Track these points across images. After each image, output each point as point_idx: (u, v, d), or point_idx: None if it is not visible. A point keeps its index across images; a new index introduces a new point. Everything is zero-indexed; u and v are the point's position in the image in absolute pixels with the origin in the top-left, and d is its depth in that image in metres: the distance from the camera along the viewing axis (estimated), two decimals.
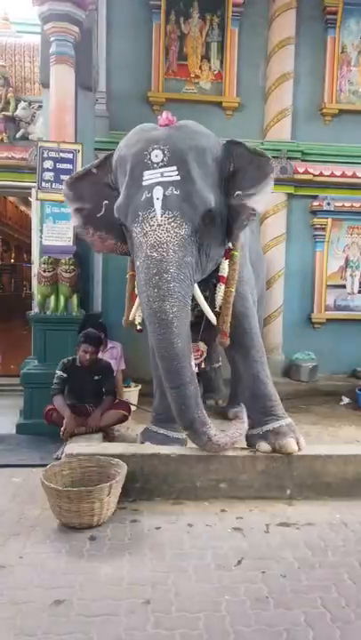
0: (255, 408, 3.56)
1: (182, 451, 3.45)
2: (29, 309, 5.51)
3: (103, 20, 6.41)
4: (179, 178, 3.03)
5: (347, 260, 6.99)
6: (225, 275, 3.51)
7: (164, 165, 3.04)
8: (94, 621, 2.11)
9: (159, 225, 3.01)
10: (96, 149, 5.69)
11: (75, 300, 4.99)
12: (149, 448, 3.43)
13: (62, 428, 3.72)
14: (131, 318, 3.71)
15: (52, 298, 4.94)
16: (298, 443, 3.41)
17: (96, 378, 4.05)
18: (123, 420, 4.00)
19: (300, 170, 6.55)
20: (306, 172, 6.56)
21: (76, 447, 3.43)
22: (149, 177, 3.05)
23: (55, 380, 3.93)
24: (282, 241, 6.67)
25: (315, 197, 6.76)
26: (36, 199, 5.08)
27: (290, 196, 6.68)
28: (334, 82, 6.81)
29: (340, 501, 3.36)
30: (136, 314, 3.62)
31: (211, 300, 3.51)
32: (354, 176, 6.71)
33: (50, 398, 3.92)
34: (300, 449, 3.40)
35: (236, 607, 2.23)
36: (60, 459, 4.01)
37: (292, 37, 6.63)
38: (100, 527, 2.94)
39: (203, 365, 4.07)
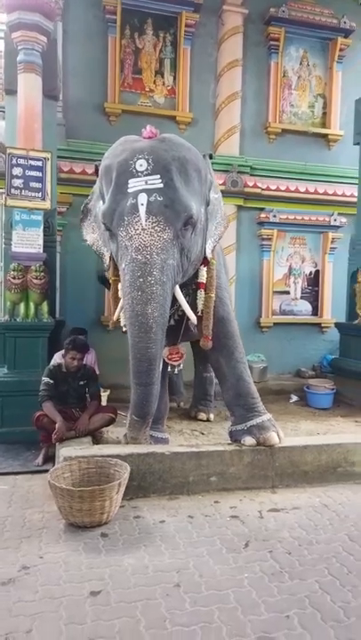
0: (239, 405, 3.84)
1: (176, 448, 3.64)
2: None
3: (59, 29, 6.46)
4: (162, 185, 3.25)
5: (290, 269, 7.54)
6: (203, 281, 3.76)
7: (149, 174, 3.25)
8: (136, 606, 2.26)
9: (144, 229, 3.21)
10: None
11: (45, 306, 5.01)
12: (144, 447, 3.59)
13: (54, 433, 3.76)
14: (115, 319, 3.83)
15: (22, 305, 4.93)
16: (278, 435, 3.73)
17: (81, 383, 4.12)
18: (110, 422, 4.11)
19: (250, 184, 7.00)
20: (255, 187, 7.03)
21: (72, 450, 3.50)
22: (134, 184, 3.26)
23: (42, 387, 3.96)
24: (232, 250, 7.06)
25: (262, 210, 7.24)
26: (5, 205, 5.04)
27: (239, 207, 7.11)
28: (277, 103, 7.37)
29: (317, 487, 3.73)
30: (121, 315, 3.74)
31: (192, 305, 3.74)
32: (296, 191, 7.29)
33: (39, 404, 3.94)
34: (280, 441, 3.73)
35: (257, 582, 2.48)
36: (40, 465, 4.09)
37: (239, 60, 7.09)
38: (107, 525, 3.06)
39: (181, 367, 4.30)
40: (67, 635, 2.06)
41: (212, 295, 3.76)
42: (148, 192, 3.23)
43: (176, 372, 5.97)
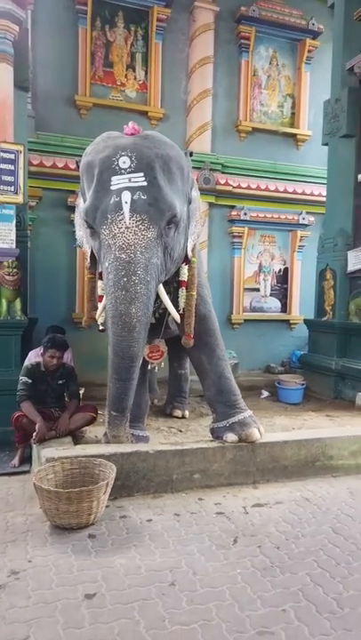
0: (221, 402, 3.87)
1: (159, 447, 3.63)
2: None
3: (28, 18, 6.28)
4: (146, 183, 3.21)
5: (260, 266, 7.65)
6: (185, 279, 3.76)
7: (132, 171, 3.21)
8: (133, 607, 2.24)
9: (127, 227, 3.17)
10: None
11: (18, 303, 4.88)
12: (128, 447, 3.55)
13: (35, 434, 3.67)
14: (99, 319, 3.77)
15: None
16: (260, 431, 3.78)
17: (60, 382, 4.04)
18: (91, 421, 4.05)
19: (222, 181, 7.04)
20: (226, 184, 7.07)
21: (55, 451, 3.43)
22: (117, 182, 3.21)
23: (20, 387, 3.85)
24: (204, 247, 7.08)
25: (233, 207, 7.29)
26: None
27: (211, 205, 7.13)
28: (248, 102, 7.43)
29: (296, 481, 3.81)
30: (101, 314, 3.70)
31: (173, 304, 3.73)
32: (266, 189, 7.38)
33: (17, 404, 3.84)
34: (261, 437, 3.78)
35: (250, 577, 2.51)
36: (17, 466, 4.00)
37: (210, 57, 7.11)
38: (94, 526, 3.02)
39: (162, 365, 4.29)
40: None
41: (194, 293, 3.76)
42: (132, 190, 3.18)
43: (156, 369, 6.02)
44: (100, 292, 3.78)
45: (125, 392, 3.38)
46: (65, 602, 2.27)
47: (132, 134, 3.43)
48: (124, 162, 3.20)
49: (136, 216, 3.17)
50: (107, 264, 3.25)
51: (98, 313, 3.75)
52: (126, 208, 3.17)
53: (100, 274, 3.72)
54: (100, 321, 3.82)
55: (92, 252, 3.65)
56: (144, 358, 4.21)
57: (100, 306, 3.69)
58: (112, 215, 3.18)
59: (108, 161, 3.23)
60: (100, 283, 3.76)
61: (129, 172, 3.20)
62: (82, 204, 3.64)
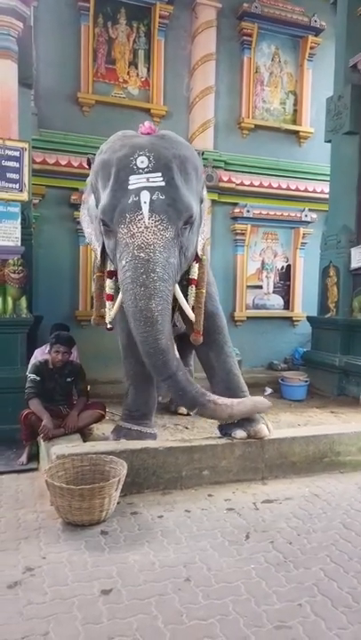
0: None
1: (169, 444, 3.64)
2: None
3: (31, 15, 6.25)
4: (163, 184, 3.21)
5: (263, 263, 7.65)
6: (195, 277, 3.76)
7: (150, 171, 3.20)
8: (150, 602, 2.25)
9: (146, 227, 3.16)
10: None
11: (23, 301, 4.87)
12: (138, 443, 3.56)
13: (40, 431, 3.68)
14: (108, 318, 3.76)
15: (0, 300, 4.78)
16: (268, 428, 3.79)
17: (68, 379, 4.05)
18: (99, 419, 4.05)
19: (225, 179, 7.03)
20: (229, 181, 7.07)
21: (65, 448, 3.43)
22: (135, 181, 3.20)
23: (29, 384, 3.85)
24: (207, 245, 7.05)
25: (235, 205, 7.29)
26: None
27: (214, 202, 7.12)
28: (250, 99, 7.42)
29: (305, 477, 3.82)
30: (110, 313, 3.69)
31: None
32: (269, 186, 7.38)
33: (25, 402, 3.84)
34: (270, 433, 3.79)
35: (264, 572, 2.52)
36: (25, 464, 4.01)
37: (213, 54, 7.09)
38: (106, 523, 3.03)
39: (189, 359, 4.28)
40: (85, 635, 2.03)
41: (204, 291, 3.76)
42: (150, 190, 3.18)
43: (188, 367, 5.99)
44: (108, 290, 3.78)
45: (179, 387, 3.30)
46: (81, 598, 2.28)
47: (149, 134, 3.44)
48: (142, 161, 3.20)
49: (155, 216, 3.17)
50: (124, 262, 3.23)
51: (113, 312, 3.67)
52: (145, 208, 3.16)
53: (110, 272, 3.72)
54: (108, 319, 3.81)
55: (102, 250, 3.64)
56: None
57: (116, 305, 3.61)
58: (131, 215, 3.18)
59: (126, 160, 3.23)
60: (108, 282, 3.77)
61: (147, 172, 3.20)
62: (91, 202, 3.63)
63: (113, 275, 3.74)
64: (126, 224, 3.19)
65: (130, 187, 3.20)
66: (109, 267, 3.74)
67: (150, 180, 3.19)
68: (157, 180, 3.20)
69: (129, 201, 3.18)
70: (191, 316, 3.65)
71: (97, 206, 3.57)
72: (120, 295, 3.45)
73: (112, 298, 3.75)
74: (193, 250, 3.62)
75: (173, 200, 3.23)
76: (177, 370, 3.28)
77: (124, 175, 3.22)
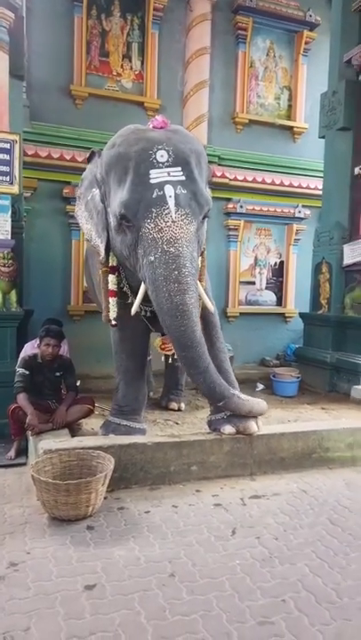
0: None
1: (157, 439, 3.63)
2: None
3: (23, 6, 6.18)
4: (184, 178, 3.25)
5: (256, 259, 7.64)
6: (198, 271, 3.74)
7: (170, 165, 3.24)
8: (133, 597, 2.24)
9: (174, 221, 3.19)
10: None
11: (13, 295, 4.84)
12: (126, 439, 3.55)
13: (27, 426, 3.66)
14: (112, 314, 3.75)
15: None
16: (257, 424, 3.78)
17: (57, 374, 4.02)
18: (88, 414, 4.04)
19: (218, 174, 7.00)
20: (223, 177, 7.04)
21: (53, 443, 3.42)
22: (157, 175, 3.22)
23: (18, 378, 3.83)
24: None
25: (229, 200, 7.26)
26: None
27: None
28: (245, 93, 7.38)
29: (293, 473, 3.82)
30: (113, 309, 3.69)
31: None
32: (263, 182, 7.35)
33: (14, 397, 3.82)
34: (259, 429, 3.78)
35: (249, 568, 2.52)
36: (13, 459, 3.99)
37: (207, 47, 7.05)
38: (92, 518, 3.02)
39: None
40: (67, 631, 2.02)
41: (204, 284, 3.79)
42: (173, 184, 3.21)
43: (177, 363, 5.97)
44: (110, 286, 3.78)
45: (213, 379, 3.36)
46: (65, 593, 2.27)
47: (162, 127, 3.44)
48: (162, 155, 3.23)
49: (181, 210, 3.21)
50: (152, 258, 3.23)
51: (134, 307, 3.55)
52: (171, 202, 3.19)
53: (112, 267, 3.71)
54: (112, 315, 3.79)
55: (106, 245, 3.60)
56: (144, 351, 4.24)
57: (138, 298, 3.52)
58: (157, 209, 3.19)
59: (145, 154, 3.23)
60: (111, 277, 3.76)
61: (167, 167, 3.23)
62: (95, 196, 3.59)
63: (115, 270, 3.77)
64: (153, 218, 3.21)
65: (151, 181, 3.22)
66: (111, 262, 3.75)
67: (171, 174, 3.23)
68: (178, 174, 3.24)
69: (153, 195, 3.20)
70: (211, 308, 3.71)
71: (102, 200, 3.59)
72: (142, 290, 3.46)
73: (115, 294, 3.78)
74: (203, 243, 3.65)
75: (194, 194, 3.28)
76: (210, 362, 3.35)
77: (144, 169, 3.23)
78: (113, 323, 3.76)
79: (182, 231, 3.19)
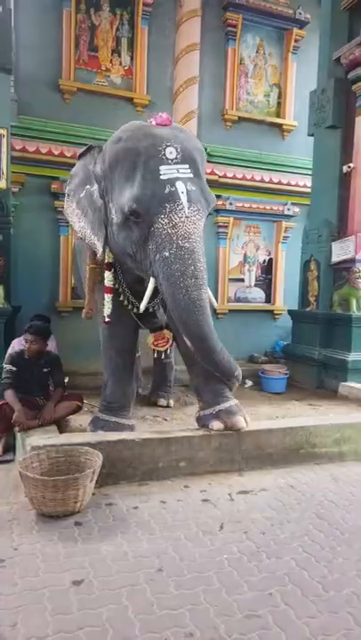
0: (207, 391, 3.86)
1: (146, 435, 3.63)
2: None
3: None
4: (192, 175, 3.32)
5: (245, 256, 7.66)
6: None
7: (178, 162, 3.29)
8: (121, 592, 2.24)
9: (187, 217, 3.23)
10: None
11: (0, 291, 4.82)
12: (114, 435, 3.55)
13: (14, 422, 3.64)
14: (105, 310, 3.76)
15: None
16: (245, 420, 3.80)
17: (45, 370, 4.00)
18: (76, 410, 4.02)
19: (208, 170, 6.96)
20: (212, 173, 7.03)
21: (40, 440, 3.40)
22: (167, 171, 3.25)
23: (5, 374, 3.81)
24: None
25: (218, 197, 7.21)
26: None
27: None
28: (234, 90, 7.38)
29: (281, 468, 3.84)
30: (108, 306, 3.70)
31: None
32: (252, 179, 7.37)
33: (1, 393, 3.79)
34: (247, 425, 3.80)
35: (236, 563, 2.53)
36: (0, 455, 3.97)
37: (197, 44, 7.03)
38: (80, 514, 3.01)
39: (169, 352, 4.29)
40: (54, 626, 2.02)
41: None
42: (184, 181, 3.26)
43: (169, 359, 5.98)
44: (107, 283, 3.80)
45: (229, 357, 3.61)
46: (52, 589, 2.26)
47: (166, 125, 3.47)
48: (171, 152, 3.27)
49: (193, 206, 3.26)
50: (167, 254, 3.24)
51: (143, 303, 3.59)
52: (184, 198, 3.23)
53: (108, 264, 3.73)
54: (107, 312, 3.79)
55: (104, 241, 3.59)
56: (132, 348, 4.24)
57: (147, 294, 3.54)
58: (171, 205, 3.22)
59: (154, 150, 3.26)
60: (107, 274, 3.78)
61: (175, 163, 3.28)
62: (94, 192, 3.58)
63: (112, 267, 3.78)
64: (167, 214, 3.23)
65: (162, 177, 3.25)
66: (107, 259, 3.75)
67: (180, 171, 3.28)
68: (186, 171, 3.30)
69: (165, 191, 3.23)
70: (215, 303, 3.74)
71: (102, 196, 3.58)
72: (150, 285, 3.49)
73: (111, 290, 3.80)
74: None
75: (202, 191, 3.36)
76: (222, 347, 3.50)
77: (153, 165, 3.26)
78: (106, 320, 3.75)
79: (195, 227, 3.24)
